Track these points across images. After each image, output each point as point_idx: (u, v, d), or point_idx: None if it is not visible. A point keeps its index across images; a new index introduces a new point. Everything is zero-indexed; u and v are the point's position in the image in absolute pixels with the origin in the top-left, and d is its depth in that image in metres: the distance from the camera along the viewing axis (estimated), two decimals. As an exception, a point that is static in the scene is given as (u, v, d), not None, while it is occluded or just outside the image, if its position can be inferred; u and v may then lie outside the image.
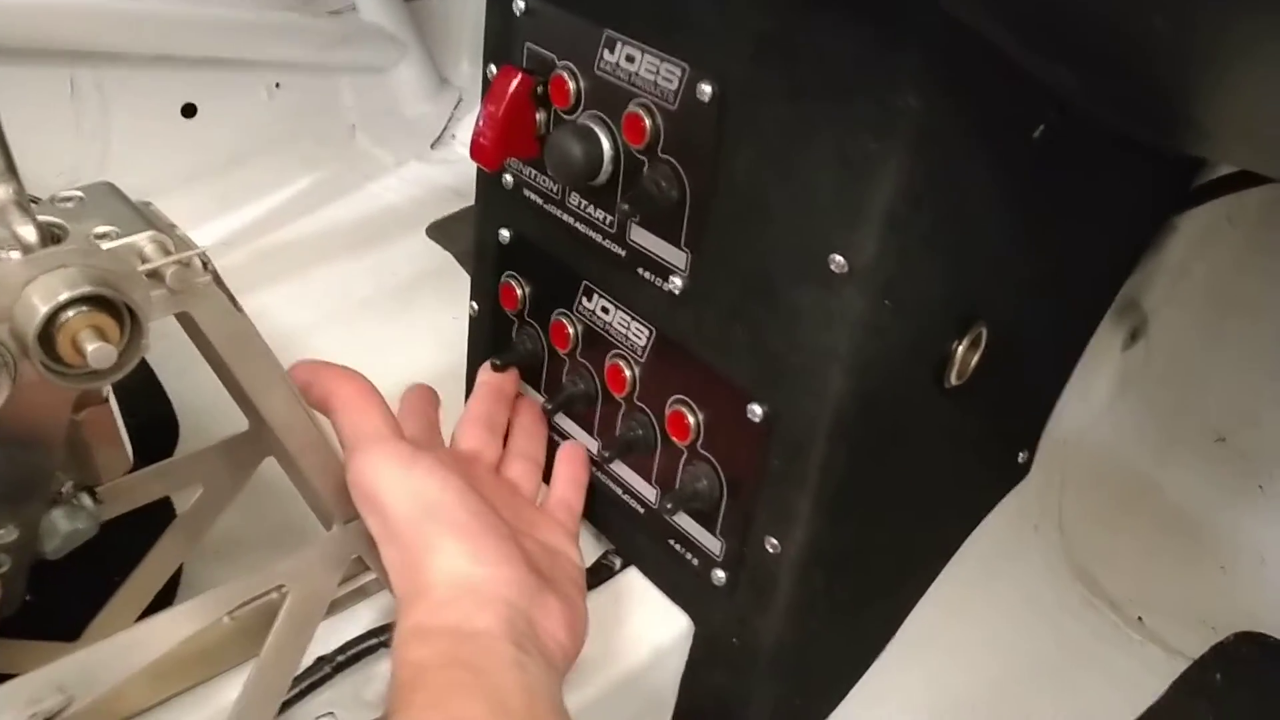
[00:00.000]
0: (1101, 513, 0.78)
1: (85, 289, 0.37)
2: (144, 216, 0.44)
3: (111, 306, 0.38)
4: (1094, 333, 0.72)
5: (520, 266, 0.64)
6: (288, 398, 0.49)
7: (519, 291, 0.64)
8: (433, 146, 1.18)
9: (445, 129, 1.19)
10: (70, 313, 0.38)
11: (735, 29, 0.48)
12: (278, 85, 1.09)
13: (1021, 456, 0.73)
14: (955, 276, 0.52)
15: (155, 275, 0.41)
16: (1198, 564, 0.76)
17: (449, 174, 1.13)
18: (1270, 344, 0.74)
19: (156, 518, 0.58)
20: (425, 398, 0.65)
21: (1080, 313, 0.70)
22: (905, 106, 0.44)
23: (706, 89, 0.49)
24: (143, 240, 0.42)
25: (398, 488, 0.51)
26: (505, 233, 0.64)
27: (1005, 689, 0.72)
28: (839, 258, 0.47)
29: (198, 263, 0.42)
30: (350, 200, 1.08)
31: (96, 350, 0.38)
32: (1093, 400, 0.77)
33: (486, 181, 0.65)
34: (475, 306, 0.69)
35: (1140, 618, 0.74)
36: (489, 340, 0.68)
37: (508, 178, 0.63)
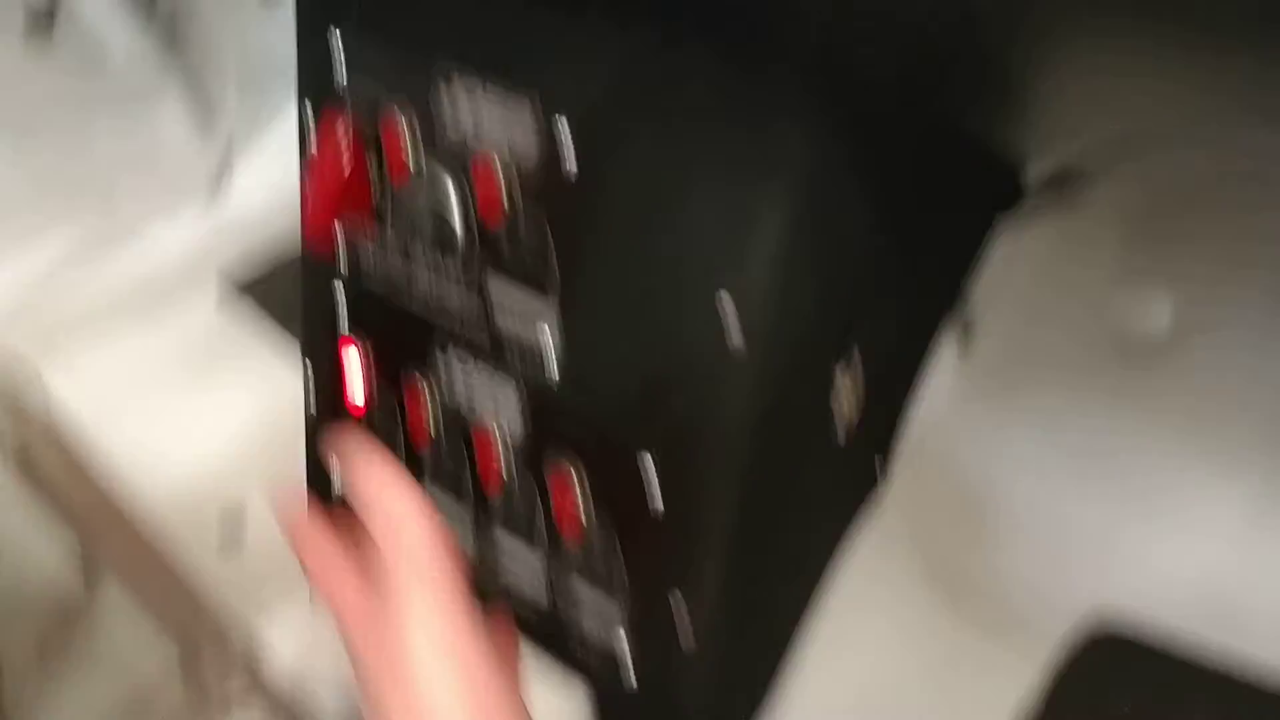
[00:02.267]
0: (954, 512, 0.79)
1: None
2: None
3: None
4: (940, 336, 0.73)
5: (362, 324, 0.59)
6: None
7: (361, 353, 0.58)
8: (209, 190, 1.08)
9: (220, 169, 1.09)
10: None
11: (593, 58, 0.45)
12: (20, 137, 0.97)
13: (880, 463, 0.73)
14: (835, 302, 0.51)
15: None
16: (1048, 554, 0.78)
17: (232, 218, 1.04)
18: (1094, 331, 0.78)
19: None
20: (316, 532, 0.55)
21: (931, 318, 0.71)
22: (787, 136, 0.42)
23: (565, 128, 0.46)
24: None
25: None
26: (341, 287, 0.58)
27: (873, 698, 0.73)
28: (724, 296, 0.45)
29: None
30: (119, 260, 0.98)
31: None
32: (933, 401, 0.78)
33: (316, 239, 0.59)
34: (309, 370, 0.62)
35: (1000, 614, 0.76)
36: (328, 409, 0.62)
37: (339, 233, 0.57)
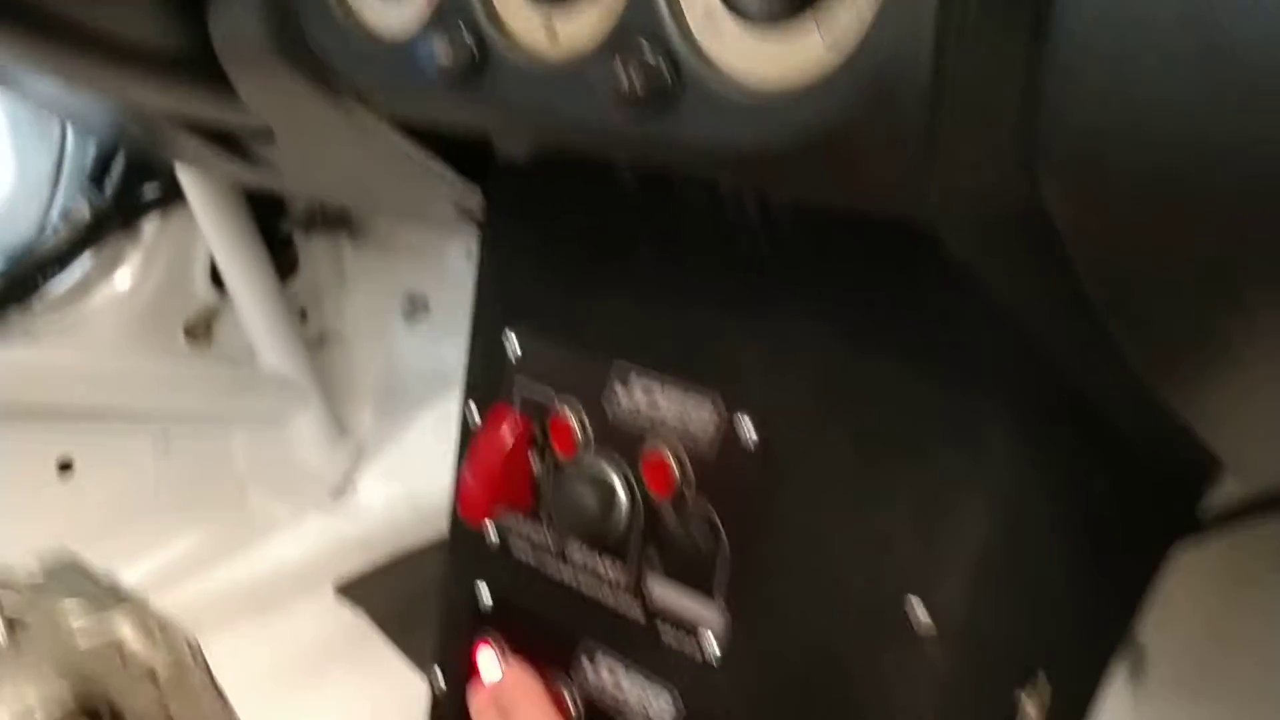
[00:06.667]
0: None
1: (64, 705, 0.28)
2: (111, 590, 0.35)
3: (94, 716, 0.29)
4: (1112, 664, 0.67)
5: (504, 629, 0.56)
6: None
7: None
8: (334, 499, 1.09)
9: (347, 480, 1.11)
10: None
11: (783, 361, 0.45)
12: (165, 438, 1.01)
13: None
14: (1026, 625, 0.47)
15: (142, 668, 0.32)
16: None
17: (354, 527, 1.04)
18: (1268, 684, 0.71)
19: None
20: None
21: (1107, 645, 0.66)
22: (990, 452, 0.41)
23: (748, 426, 0.45)
24: (120, 623, 0.33)
25: None
26: (485, 590, 0.56)
27: None
28: (919, 613, 0.42)
29: (186, 653, 0.34)
30: (244, 560, 0.98)
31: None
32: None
33: (464, 534, 0.57)
34: (441, 680, 0.59)
35: None
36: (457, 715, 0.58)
37: (491, 529, 0.56)
